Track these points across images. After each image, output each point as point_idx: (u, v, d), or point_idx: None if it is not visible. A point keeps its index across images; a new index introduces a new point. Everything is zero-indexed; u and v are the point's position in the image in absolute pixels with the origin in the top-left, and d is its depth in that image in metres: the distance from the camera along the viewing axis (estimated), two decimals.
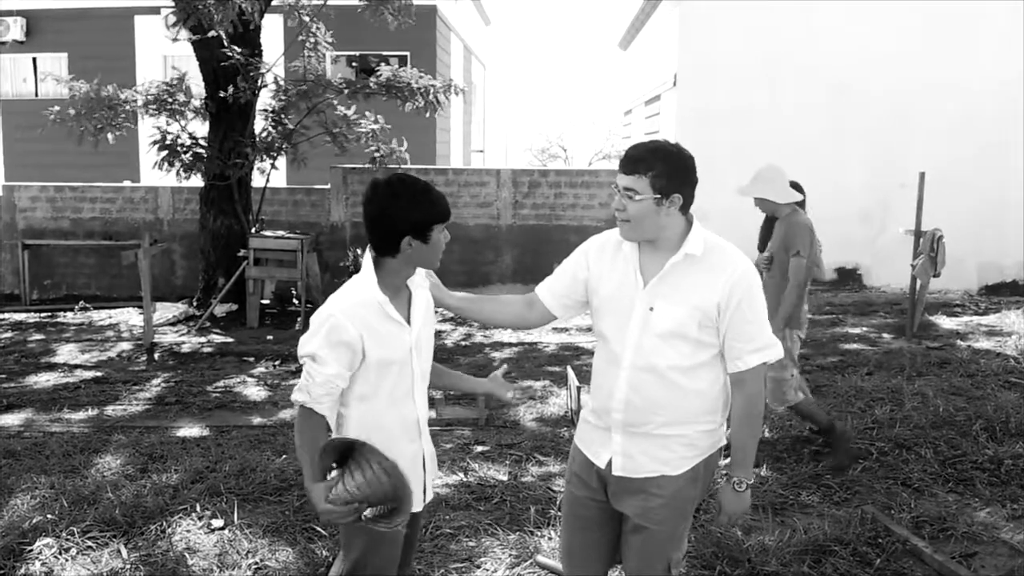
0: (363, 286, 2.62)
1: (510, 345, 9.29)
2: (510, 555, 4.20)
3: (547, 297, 2.93)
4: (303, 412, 2.61)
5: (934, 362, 7.84)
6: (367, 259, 2.66)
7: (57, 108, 10.77)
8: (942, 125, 12.80)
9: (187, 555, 4.19)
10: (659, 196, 2.57)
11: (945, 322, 10.16)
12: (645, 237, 2.66)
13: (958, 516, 4.51)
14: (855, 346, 8.79)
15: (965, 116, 12.72)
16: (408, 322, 2.69)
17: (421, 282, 2.77)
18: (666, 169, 2.56)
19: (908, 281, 9.46)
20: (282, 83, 11.47)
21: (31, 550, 4.22)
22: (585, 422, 2.88)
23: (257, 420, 6.65)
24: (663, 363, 2.62)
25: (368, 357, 2.59)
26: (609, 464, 2.74)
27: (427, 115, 12.05)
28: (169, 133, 11.21)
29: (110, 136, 10.95)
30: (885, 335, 9.40)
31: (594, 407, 2.81)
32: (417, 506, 2.74)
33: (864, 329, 9.78)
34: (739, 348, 2.64)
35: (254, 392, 7.54)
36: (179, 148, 11.18)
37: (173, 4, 10.16)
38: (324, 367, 2.55)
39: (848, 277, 13.42)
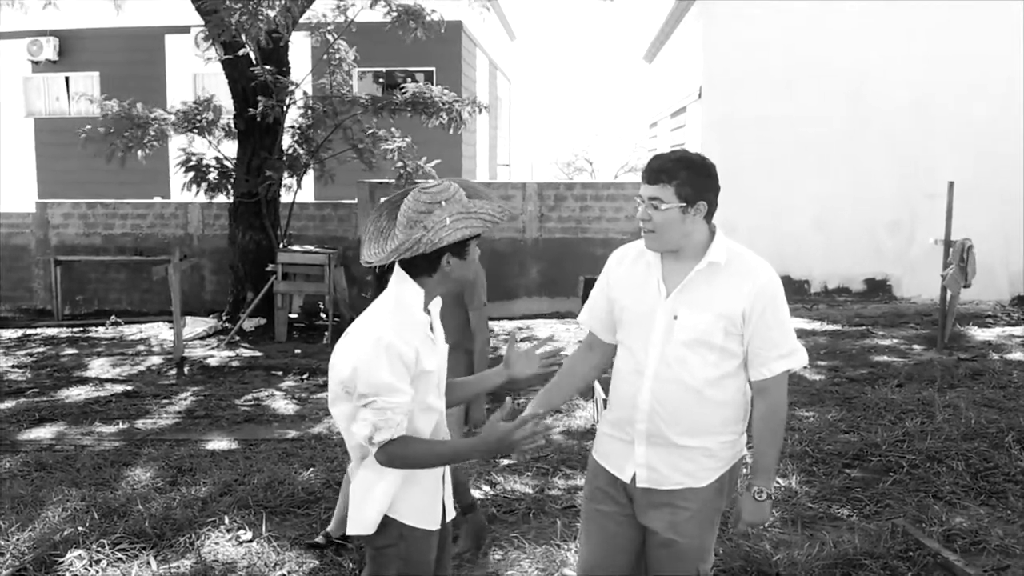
0: (406, 305, 2.55)
1: None
2: (536, 568, 4.20)
3: (593, 324, 2.91)
4: (395, 445, 2.45)
5: (966, 373, 7.74)
6: (399, 278, 2.59)
7: (89, 127, 10.94)
8: (969, 132, 12.68)
9: (216, 567, 4.22)
10: (684, 204, 2.57)
11: (977, 333, 10.03)
12: (670, 247, 2.65)
13: (990, 529, 4.44)
14: (885, 358, 8.70)
15: (992, 123, 12.58)
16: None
17: (436, 302, 2.71)
18: (690, 177, 2.57)
19: (938, 292, 9.36)
20: (309, 100, 11.58)
21: (62, 561, 4.27)
22: (604, 435, 2.85)
23: (286, 434, 6.69)
24: (688, 373, 2.61)
25: (415, 374, 2.51)
26: (634, 477, 2.71)
27: (451, 131, 12.11)
28: (194, 155, 11.35)
29: (140, 154, 11.10)
30: (916, 346, 9.29)
31: (615, 418, 2.78)
32: (438, 524, 2.71)
33: (894, 340, 9.68)
34: (764, 355, 2.63)
35: (282, 406, 7.58)
36: (203, 168, 11.32)
37: (204, 22, 10.30)
38: (398, 395, 2.43)
39: (878, 288, 13.30)
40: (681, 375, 2.62)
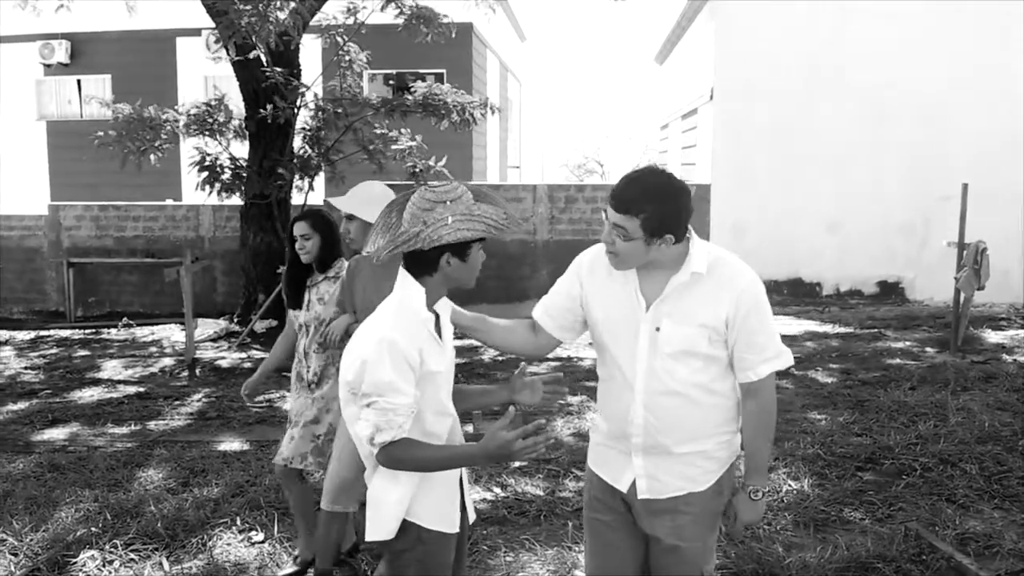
0: (409, 304, 2.53)
1: (547, 360, 9.27)
2: (548, 571, 4.19)
3: (546, 320, 2.85)
4: (397, 447, 2.42)
5: (979, 376, 7.71)
6: (403, 278, 2.58)
7: (101, 134, 10.99)
8: (983, 135, 12.63)
9: (227, 568, 4.23)
10: (649, 237, 2.50)
11: (990, 336, 9.98)
12: (634, 267, 2.61)
13: (1004, 533, 4.42)
14: (898, 360, 8.66)
15: (1006, 125, 12.53)
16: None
17: (445, 304, 2.70)
18: (657, 211, 2.47)
19: (952, 294, 9.32)
20: (320, 102, 11.61)
21: (75, 562, 4.29)
22: (598, 445, 2.83)
23: None
24: (678, 381, 2.59)
25: (420, 375, 2.50)
26: (632, 487, 2.70)
27: (462, 131, 12.12)
28: (208, 155, 11.38)
29: (153, 157, 11.14)
30: (929, 349, 9.25)
31: (608, 431, 2.76)
32: (456, 527, 2.70)
33: (907, 343, 9.64)
34: (750, 359, 2.59)
35: None
36: (218, 169, 11.35)
37: (215, 24, 10.33)
38: (400, 396, 2.41)
39: (890, 291, 13.25)
40: (671, 385, 2.59)
